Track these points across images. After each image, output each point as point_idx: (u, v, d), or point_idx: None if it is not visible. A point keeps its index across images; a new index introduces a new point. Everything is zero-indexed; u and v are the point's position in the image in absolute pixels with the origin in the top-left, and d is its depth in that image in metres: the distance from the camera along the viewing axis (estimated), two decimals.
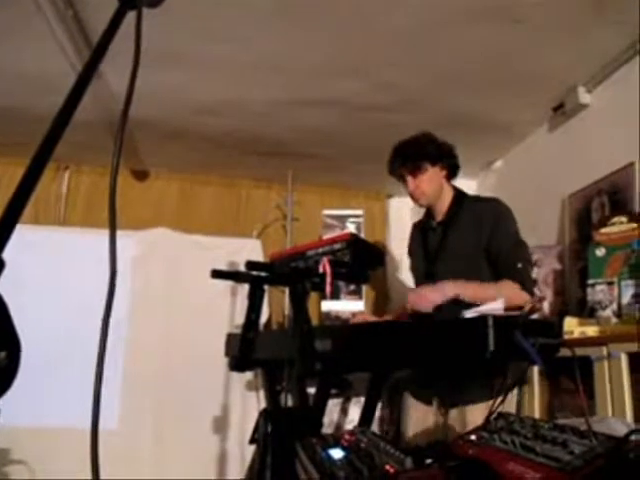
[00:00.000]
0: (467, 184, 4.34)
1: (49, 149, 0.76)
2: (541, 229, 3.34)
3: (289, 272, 1.60)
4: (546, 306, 2.99)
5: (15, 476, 3.11)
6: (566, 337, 2.29)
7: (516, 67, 2.94)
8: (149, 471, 3.22)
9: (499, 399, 1.41)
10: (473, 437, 1.19)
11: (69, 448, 3.13)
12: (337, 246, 1.63)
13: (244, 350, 1.79)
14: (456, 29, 2.59)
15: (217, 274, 1.73)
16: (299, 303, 1.55)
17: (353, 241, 1.65)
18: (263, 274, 1.77)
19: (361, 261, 1.66)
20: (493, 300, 2.01)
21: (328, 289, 1.55)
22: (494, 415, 1.32)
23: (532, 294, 2.16)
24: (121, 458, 3.09)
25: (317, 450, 1.18)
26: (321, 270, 1.55)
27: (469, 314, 1.48)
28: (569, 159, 3.27)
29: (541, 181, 3.56)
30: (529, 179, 3.73)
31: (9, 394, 0.74)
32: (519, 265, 2.16)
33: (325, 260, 1.55)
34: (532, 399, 2.69)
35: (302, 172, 4.39)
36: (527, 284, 2.15)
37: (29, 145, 3.10)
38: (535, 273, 2.96)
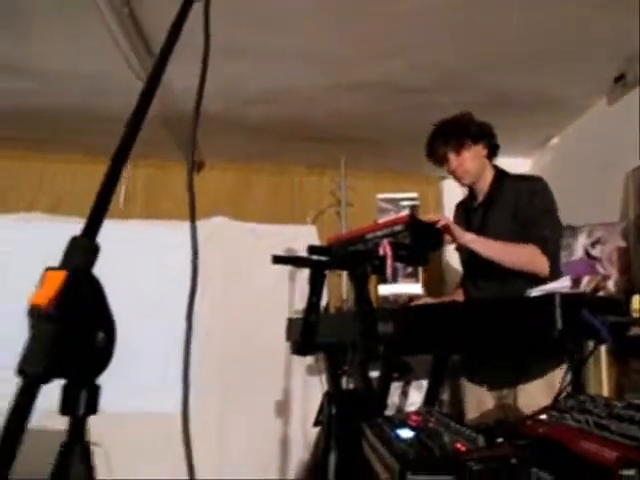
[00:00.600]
0: (522, 163, 4.26)
1: (129, 143, 0.80)
2: (604, 206, 3.24)
3: (349, 256, 1.61)
4: (611, 285, 2.91)
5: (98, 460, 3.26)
6: (634, 316, 2.23)
7: (570, 37, 2.84)
8: (214, 455, 3.31)
9: (564, 377, 1.39)
10: (543, 416, 1.17)
11: (142, 432, 3.26)
12: (397, 228, 1.62)
13: (306, 334, 1.81)
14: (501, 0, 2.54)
15: (278, 260, 1.75)
16: (360, 286, 1.56)
17: (413, 223, 1.64)
18: (323, 258, 1.79)
19: (421, 243, 1.66)
20: (512, 259, 2.02)
21: (389, 271, 1.55)
22: (563, 394, 1.30)
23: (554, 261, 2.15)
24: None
25: (385, 430, 1.19)
26: (381, 252, 1.55)
27: (535, 292, 1.45)
28: (631, 132, 3.15)
29: (601, 156, 3.45)
30: (588, 155, 3.62)
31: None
32: (545, 232, 2.17)
33: (385, 242, 1.55)
34: (599, 379, 2.63)
35: (354, 157, 4.38)
36: (549, 249, 2.15)
37: (81, 142, 3.25)
38: (599, 251, 2.89)
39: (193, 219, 0.91)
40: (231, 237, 3.55)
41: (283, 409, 3.48)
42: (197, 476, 0.90)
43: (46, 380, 0.69)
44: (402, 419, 1.29)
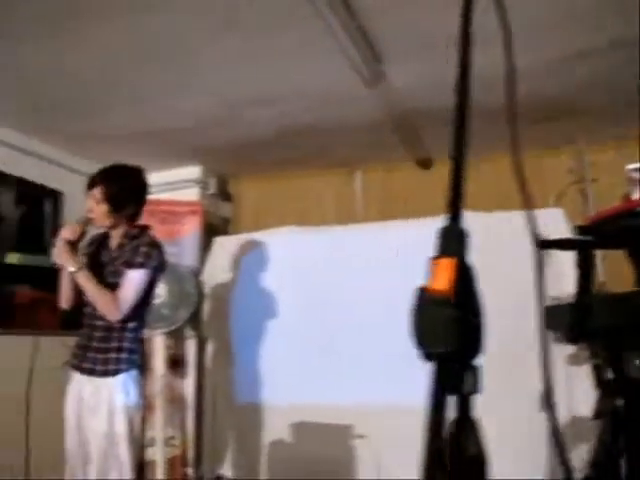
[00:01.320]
0: None
1: (461, 140, 0.85)
2: None
3: (627, 232, 1.49)
4: None
5: (360, 451, 3.44)
6: None
7: None
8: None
9: None
10: None
11: (409, 425, 3.35)
12: None
13: (579, 319, 1.71)
14: None
15: (544, 244, 1.68)
16: None
17: None
18: (589, 238, 1.68)
19: None
20: None
21: None
22: None
23: None
24: None
25: None
26: None
27: None
28: None
29: None
30: None
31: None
32: None
33: None
34: None
35: (590, 130, 4.06)
36: None
37: (325, 156, 3.43)
38: None
39: (530, 206, 0.93)
40: (473, 228, 3.48)
41: (544, 403, 3.32)
42: None
43: (452, 361, 0.78)
44: None
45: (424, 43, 2.83)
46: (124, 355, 2.35)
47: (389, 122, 3.84)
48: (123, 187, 2.40)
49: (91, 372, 2.34)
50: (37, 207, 4.15)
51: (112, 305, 2.28)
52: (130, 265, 2.34)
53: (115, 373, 2.32)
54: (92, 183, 2.38)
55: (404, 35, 2.72)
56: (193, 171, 4.78)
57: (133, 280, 2.33)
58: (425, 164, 4.67)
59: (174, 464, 3.99)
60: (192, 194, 4.74)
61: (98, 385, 2.33)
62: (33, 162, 4.14)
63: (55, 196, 4.29)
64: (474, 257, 0.95)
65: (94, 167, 4.57)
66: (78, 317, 2.47)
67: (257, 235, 4.23)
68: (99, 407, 2.31)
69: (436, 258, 0.83)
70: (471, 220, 1.00)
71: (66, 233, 2.30)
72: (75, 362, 2.41)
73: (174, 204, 4.37)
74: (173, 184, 4.70)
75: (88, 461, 2.34)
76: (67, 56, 3.03)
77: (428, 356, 0.77)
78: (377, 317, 3.61)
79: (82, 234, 2.35)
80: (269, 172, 4.92)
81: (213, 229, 4.72)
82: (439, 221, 3.43)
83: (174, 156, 4.55)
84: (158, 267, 2.41)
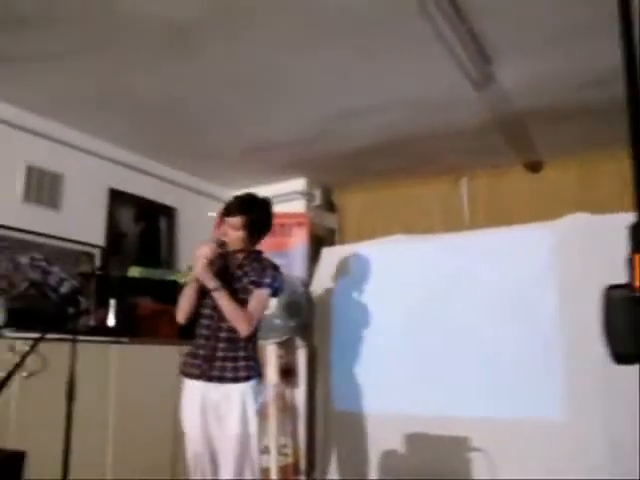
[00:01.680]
0: None
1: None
2: None
3: None
4: None
5: (476, 464, 3.34)
6: None
7: None
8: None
9: None
10: None
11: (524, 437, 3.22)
12: None
13: None
14: None
15: None
16: None
17: None
18: None
19: None
20: None
21: None
22: None
23: None
24: (568, 450, 3.04)
25: None
26: None
27: None
28: None
29: None
30: None
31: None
32: None
33: None
34: None
35: None
36: None
37: (433, 163, 3.36)
38: None
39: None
40: (594, 232, 3.30)
41: None
42: None
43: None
44: None
45: (536, 40, 2.73)
46: (251, 363, 2.53)
47: (497, 125, 3.74)
48: (259, 217, 2.61)
49: (220, 379, 2.48)
50: (154, 223, 4.38)
51: (246, 321, 2.47)
52: (259, 285, 2.55)
53: (246, 379, 2.49)
54: (231, 211, 2.56)
55: (515, 33, 2.64)
56: (298, 183, 4.87)
57: (261, 298, 2.55)
58: (534, 167, 4.50)
59: (286, 472, 4.04)
60: (298, 206, 4.82)
61: (228, 391, 2.47)
62: (149, 181, 4.38)
63: (170, 212, 4.51)
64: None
65: (205, 184, 4.82)
66: (193, 329, 2.64)
67: (364, 245, 4.24)
68: (231, 411, 2.46)
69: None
70: None
71: (207, 251, 2.46)
72: (196, 371, 2.53)
73: (281, 216, 4.44)
74: (279, 197, 4.79)
75: (218, 465, 2.48)
76: (178, 81, 3.20)
77: (632, 358, 0.70)
78: (487, 326, 3.51)
79: (215, 253, 2.51)
80: (373, 182, 4.93)
81: (319, 240, 4.77)
82: (549, 226, 3.29)
83: (279, 170, 4.66)
84: (280, 288, 2.66)
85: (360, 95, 3.37)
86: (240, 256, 2.63)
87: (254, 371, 2.54)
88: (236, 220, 2.53)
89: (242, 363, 2.50)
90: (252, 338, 2.57)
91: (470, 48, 2.63)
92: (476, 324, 3.55)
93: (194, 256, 2.50)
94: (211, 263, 2.47)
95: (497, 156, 4.32)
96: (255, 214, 2.58)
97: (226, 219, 2.57)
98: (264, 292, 2.55)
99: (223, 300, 2.45)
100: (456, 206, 4.67)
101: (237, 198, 2.63)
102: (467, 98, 3.32)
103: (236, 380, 2.48)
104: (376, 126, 3.80)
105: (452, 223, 4.51)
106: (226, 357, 2.50)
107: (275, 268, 2.62)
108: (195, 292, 2.55)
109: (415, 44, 2.77)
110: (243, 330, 2.48)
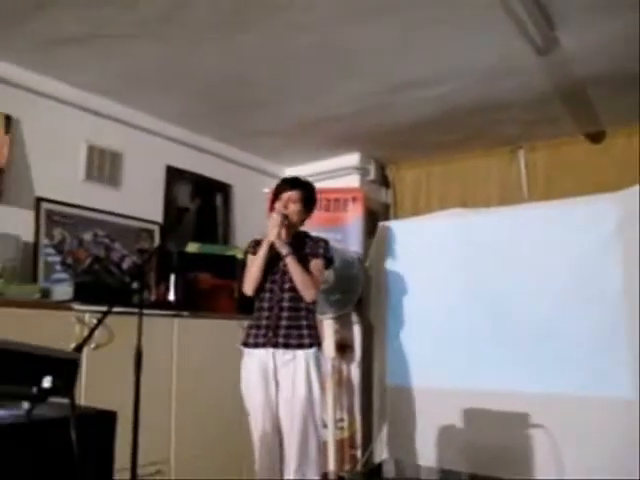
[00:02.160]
0: None
1: None
2: None
3: None
4: None
5: (536, 441, 3.29)
6: None
7: None
8: None
9: None
10: None
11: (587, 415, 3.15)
12: None
13: None
14: None
15: None
16: None
17: None
18: None
19: None
20: None
21: None
22: None
23: None
24: (635, 431, 2.96)
25: None
26: None
27: None
28: None
29: None
30: None
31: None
32: None
33: None
34: None
35: None
36: None
37: (483, 135, 3.28)
38: None
39: None
40: None
41: None
42: None
43: None
44: None
45: (602, 3, 2.61)
46: (313, 331, 2.71)
47: (558, 94, 3.61)
48: (312, 194, 2.91)
49: (286, 345, 2.64)
50: (210, 200, 4.43)
51: (312, 286, 2.70)
52: (315, 255, 2.79)
53: (310, 346, 2.65)
54: (292, 186, 2.83)
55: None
56: (352, 159, 4.83)
57: (319, 266, 2.78)
58: (596, 137, 4.33)
59: (342, 446, 4.08)
60: (352, 181, 4.79)
61: (294, 355, 2.63)
62: (204, 158, 4.43)
63: (225, 189, 4.56)
64: None
65: (259, 161, 4.85)
66: (251, 304, 2.85)
67: (421, 219, 4.19)
68: (296, 377, 2.61)
69: None
70: None
71: (280, 219, 2.71)
72: (261, 340, 2.69)
73: (337, 191, 4.45)
74: (333, 172, 4.80)
75: (282, 430, 2.62)
76: (235, 57, 3.19)
77: None
78: (548, 301, 3.42)
79: (285, 222, 2.76)
80: (428, 156, 4.85)
81: (373, 215, 4.75)
82: (613, 198, 3.18)
83: (333, 145, 4.62)
84: (332, 259, 2.90)
85: (418, 66, 3.29)
86: (288, 234, 2.80)
87: (316, 339, 2.71)
88: (296, 193, 2.80)
89: (305, 331, 2.67)
90: (310, 307, 2.75)
91: (534, 12, 2.53)
92: (536, 299, 3.47)
93: (269, 223, 2.73)
94: (286, 225, 2.73)
95: (557, 126, 4.18)
96: (310, 189, 2.88)
97: (284, 194, 2.81)
98: (320, 261, 2.79)
99: (295, 265, 2.66)
100: (514, 179, 4.55)
101: (291, 177, 2.93)
102: (528, 66, 3.21)
103: (300, 346, 2.64)
104: (433, 98, 3.72)
105: (510, 197, 4.40)
106: (290, 325, 2.67)
107: (325, 241, 2.86)
108: (265, 260, 2.73)
109: (476, 11, 2.68)
110: (310, 295, 2.69)
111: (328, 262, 2.84)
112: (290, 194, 2.79)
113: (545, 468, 3.26)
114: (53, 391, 1.01)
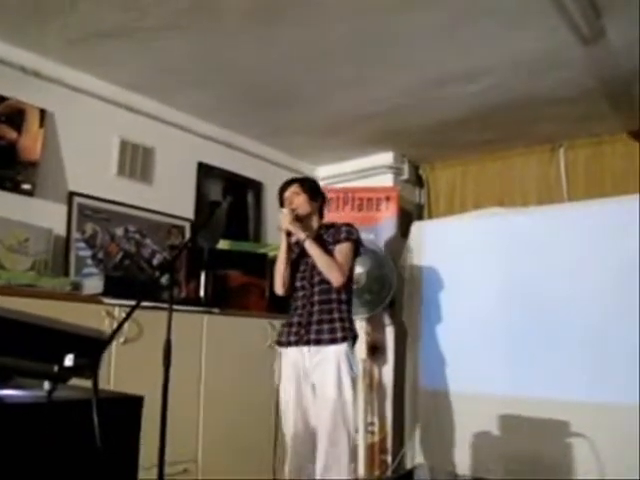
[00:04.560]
0: None
1: None
2: None
3: None
4: None
5: (576, 450, 3.15)
6: None
7: None
8: None
9: None
10: None
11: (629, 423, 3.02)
12: None
13: None
14: None
15: None
16: None
17: None
18: None
19: None
20: None
21: None
22: None
23: None
24: None
25: None
26: None
27: None
28: None
29: None
30: None
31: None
32: None
33: None
34: None
35: None
36: None
37: (528, 133, 3.15)
38: None
39: None
40: None
41: None
42: None
43: None
44: None
45: None
46: (347, 324, 2.61)
47: (601, 89, 3.48)
48: (313, 183, 2.94)
49: (318, 342, 2.56)
50: (241, 197, 4.39)
51: (337, 268, 2.58)
52: (337, 241, 2.69)
53: (342, 340, 2.55)
54: (287, 184, 2.85)
55: None
56: (386, 157, 4.74)
57: (343, 249, 2.66)
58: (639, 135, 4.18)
59: (372, 451, 4.00)
60: (385, 181, 4.70)
61: (326, 352, 2.55)
62: (236, 155, 4.39)
63: (257, 187, 4.51)
64: None
65: (291, 159, 4.80)
66: (284, 302, 2.79)
67: (456, 218, 4.09)
68: (327, 376, 2.51)
69: None
70: None
71: (289, 211, 2.69)
72: (293, 338, 2.63)
73: (370, 191, 4.37)
74: (366, 171, 4.72)
75: (314, 429, 2.54)
76: (268, 53, 3.14)
77: None
78: (589, 305, 3.29)
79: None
80: (463, 155, 4.74)
81: (407, 215, 4.66)
82: None
83: (366, 144, 4.55)
84: (359, 240, 2.75)
85: (459, 60, 3.19)
86: (314, 225, 2.80)
87: (350, 332, 2.60)
88: (296, 186, 2.81)
89: (338, 324, 2.57)
90: (342, 299, 2.65)
91: (584, 7, 2.42)
92: (577, 302, 3.34)
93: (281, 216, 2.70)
94: (297, 218, 2.67)
95: (598, 124, 4.04)
96: (308, 181, 2.92)
97: (285, 194, 2.82)
98: (344, 245, 2.67)
99: (314, 248, 2.59)
100: (553, 179, 4.41)
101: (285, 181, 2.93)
102: (572, 59, 3.09)
103: (334, 341, 2.54)
104: (471, 94, 3.61)
105: (548, 198, 4.27)
106: (322, 320, 2.59)
107: (348, 224, 2.77)
108: (287, 252, 2.69)
109: (519, 2, 2.59)
110: (336, 278, 2.57)
111: (355, 243, 2.71)
112: (291, 189, 2.81)
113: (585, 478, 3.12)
114: (76, 371, 0.96)
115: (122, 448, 1.02)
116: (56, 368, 0.94)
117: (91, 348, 1.00)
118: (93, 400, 0.91)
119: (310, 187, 2.84)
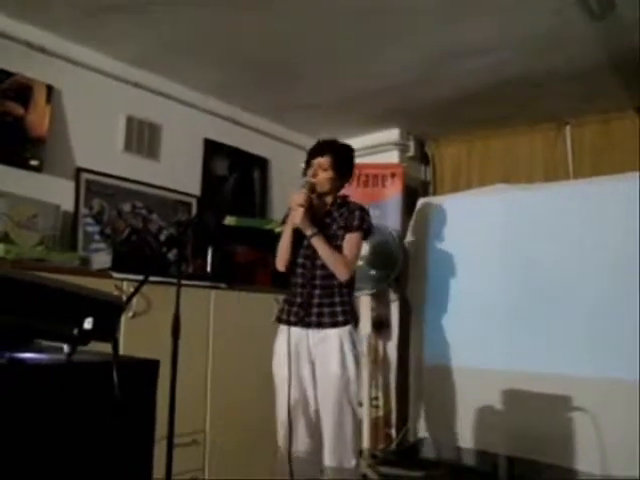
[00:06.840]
0: None
1: None
2: None
3: None
4: None
5: (577, 423, 3.19)
6: None
7: None
8: None
9: None
10: None
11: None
12: None
13: None
14: None
15: None
16: None
17: None
18: None
19: None
20: None
21: None
22: None
23: None
24: None
25: None
26: None
27: None
28: None
29: None
30: None
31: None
32: None
33: None
34: None
35: None
36: None
37: (532, 110, 3.12)
38: None
39: None
40: None
41: None
42: None
43: None
44: None
45: None
46: (347, 307, 2.56)
47: (609, 64, 3.45)
48: (346, 159, 2.67)
49: (319, 324, 2.52)
50: (247, 174, 4.40)
51: (344, 265, 2.51)
52: (350, 229, 2.57)
53: (344, 324, 2.51)
54: (321, 152, 2.61)
55: None
56: (391, 134, 4.74)
57: (353, 241, 2.57)
58: None
59: (377, 425, 4.05)
60: (391, 157, 4.71)
61: (327, 335, 2.51)
62: (242, 132, 4.39)
63: (263, 163, 4.52)
64: None
65: (297, 135, 4.79)
66: (286, 277, 2.69)
67: (461, 195, 4.09)
68: (330, 356, 2.48)
69: None
70: None
71: (300, 200, 2.49)
72: (293, 318, 2.57)
73: (376, 167, 4.37)
74: (372, 148, 4.71)
75: (312, 407, 2.53)
76: (272, 26, 3.13)
77: None
78: (592, 281, 3.31)
79: (309, 200, 2.53)
80: (469, 132, 4.72)
81: (412, 192, 4.66)
82: None
83: (372, 120, 4.54)
84: (370, 229, 2.65)
85: (467, 34, 3.17)
86: (328, 200, 2.65)
87: (351, 316, 2.55)
88: (325, 160, 2.58)
89: (339, 308, 2.53)
90: (348, 283, 2.58)
91: None
92: (580, 278, 3.36)
93: (290, 204, 2.54)
94: (306, 210, 2.49)
95: (607, 100, 4.02)
96: (342, 155, 2.65)
97: (314, 161, 2.61)
98: (355, 235, 2.57)
99: (321, 246, 2.50)
100: (559, 157, 4.40)
101: (324, 140, 2.68)
102: (580, 35, 3.08)
103: (334, 325, 2.51)
104: (477, 70, 3.59)
105: (554, 175, 4.26)
106: (322, 303, 2.53)
107: (362, 209, 2.63)
108: (291, 241, 2.58)
109: None
110: (342, 274, 2.51)
111: (365, 233, 2.61)
112: (320, 161, 2.58)
113: (586, 454, 3.16)
114: (95, 334, 0.99)
115: (140, 408, 1.05)
116: (76, 331, 0.97)
117: (110, 312, 1.02)
118: (114, 360, 0.94)
119: (341, 165, 2.61)
